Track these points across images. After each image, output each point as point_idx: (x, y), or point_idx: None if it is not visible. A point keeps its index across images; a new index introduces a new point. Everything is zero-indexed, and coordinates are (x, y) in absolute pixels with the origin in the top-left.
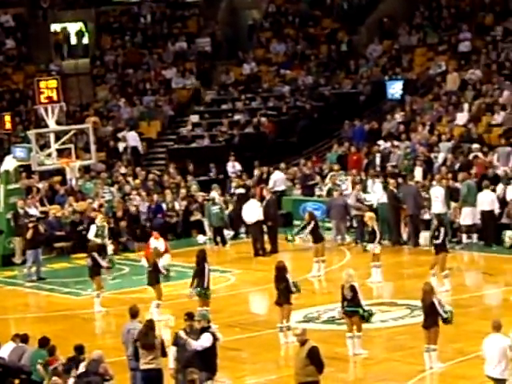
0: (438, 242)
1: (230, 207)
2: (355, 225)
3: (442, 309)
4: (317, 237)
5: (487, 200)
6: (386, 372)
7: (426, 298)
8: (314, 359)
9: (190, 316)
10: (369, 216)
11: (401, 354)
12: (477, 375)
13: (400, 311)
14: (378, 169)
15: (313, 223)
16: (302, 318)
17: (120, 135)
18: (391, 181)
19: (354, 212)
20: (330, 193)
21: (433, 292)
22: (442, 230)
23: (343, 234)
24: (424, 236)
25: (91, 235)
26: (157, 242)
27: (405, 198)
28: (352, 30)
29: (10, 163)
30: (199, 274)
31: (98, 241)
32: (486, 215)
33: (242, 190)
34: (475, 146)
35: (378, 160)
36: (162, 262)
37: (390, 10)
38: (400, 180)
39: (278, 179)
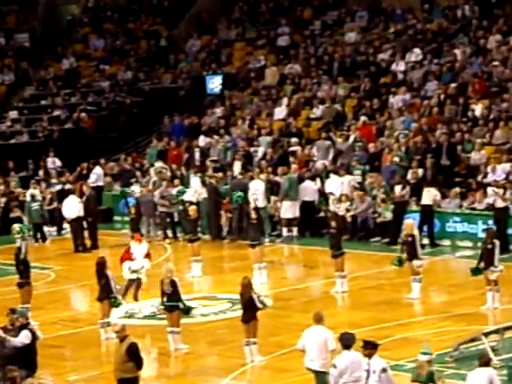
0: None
1: (54, 204)
2: (158, 221)
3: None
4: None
5: (309, 191)
6: (207, 366)
7: (244, 292)
8: (133, 355)
9: (12, 311)
10: (191, 209)
11: (222, 348)
12: (297, 368)
13: (221, 305)
14: (198, 163)
15: None
16: (123, 314)
17: None
18: (214, 175)
19: (161, 208)
20: (155, 185)
21: (251, 286)
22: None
23: (153, 229)
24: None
25: None
26: (138, 246)
27: (234, 191)
28: (171, 24)
29: None
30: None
31: None
32: (307, 206)
33: (61, 186)
34: (294, 139)
35: (197, 155)
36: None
37: (208, 4)
38: (221, 174)
39: (98, 175)
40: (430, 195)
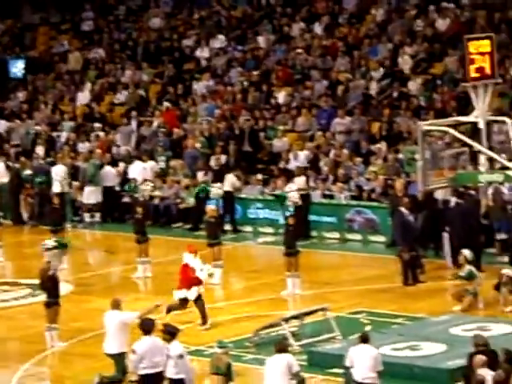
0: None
1: None
2: None
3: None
4: None
5: (109, 177)
6: (7, 352)
7: (44, 276)
8: None
9: None
10: None
11: (22, 334)
12: (98, 353)
13: (22, 291)
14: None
15: None
16: None
17: None
18: (20, 159)
19: None
20: None
21: (50, 269)
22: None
23: None
24: None
25: None
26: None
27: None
28: None
29: None
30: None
31: None
32: (108, 192)
33: None
34: (97, 124)
35: None
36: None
37: None
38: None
39: None
40: (230, 181)
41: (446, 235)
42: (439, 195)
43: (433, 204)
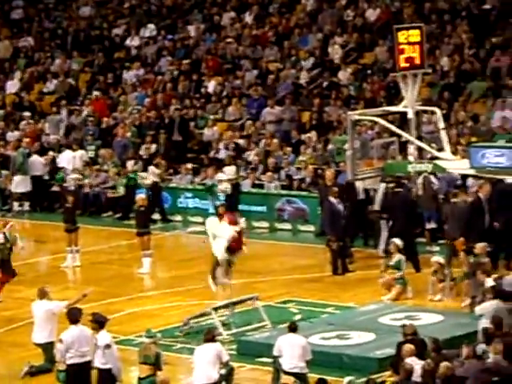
0: None
1: None
2: None
3: None
4: None
5: (37, 166)
6: None
7: None
8: None
9: None
10: None
11: None
12: (27, 342)
13: None
14: None
15: None
16: None
17: None
18: None
19: None
20: None
21: None
22: None
23: None
24: None
25: None
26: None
27: None
28: None
29: None
30: None
31: None
32: (37, 181)
33: None
34: (26, 113)
35: None
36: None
37: None
38: None
39: None
40: (151, 171)
41: (383, 224)
42: (363, 185)
43: (352, 193)
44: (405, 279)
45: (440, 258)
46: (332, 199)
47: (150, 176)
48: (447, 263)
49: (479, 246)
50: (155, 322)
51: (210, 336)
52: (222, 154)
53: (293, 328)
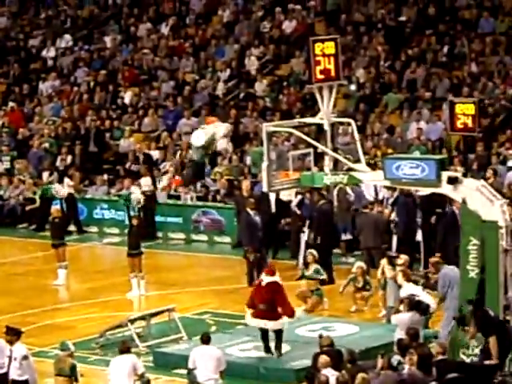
0: None
1: None
2: None
3: None
4: None
5: None
6: None
7: None
8: None
9: None
10: None
11: None
12: None
13: None
14: None
15: None
16: None
17: None
18: None
19: None
20: None
21: None
22: None
23: None
24: None
25: None
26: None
27: None
28: None
29: None
30: None
31: None
32: None
33: None
34: None
35: None
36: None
37: None
38: None
39: None
40: (69, 183)
41: (303, 235)
42: (275, 197)
43: (267, 205)
44: (321, 290)
45: (362, 264)
46: (249, 211)
47: (65, 187)
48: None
49: (403, 258)
50: (71, 333)
51: (125, 348)
52: (137, 165)
53: (205, 339)
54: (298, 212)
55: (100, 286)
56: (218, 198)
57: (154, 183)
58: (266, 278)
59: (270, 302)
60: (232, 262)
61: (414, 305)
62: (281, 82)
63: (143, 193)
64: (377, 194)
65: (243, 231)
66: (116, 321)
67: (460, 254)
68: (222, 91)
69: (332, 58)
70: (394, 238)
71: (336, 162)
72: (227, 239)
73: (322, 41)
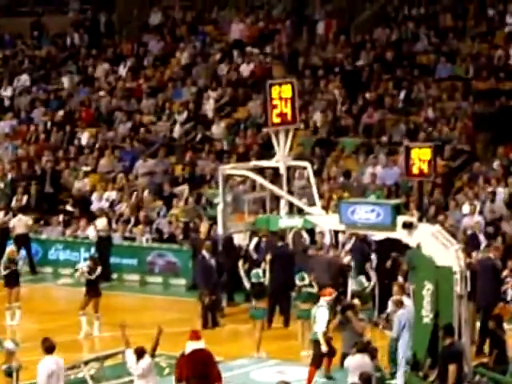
0: None
1: None
2: None
3: None
4: None
5: None
6: None
7: None
8: None
9: None
10: None
11: None
12: None
13: None
14: None
15: None
16: None
17: None
18: None
19: None
20: None
21: None
22: None
23: None
24: None
25: None
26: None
27: None
28: None
29: None
30: None
31: None
32: None
33: None
34: None
35: None
36: None
37: None
38: None
39: None
40: (22, 223)
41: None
42: (237, 240)
43: (230, 248)
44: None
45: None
46: (205, 253)
47: (20, 227)
48: None
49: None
50: (23, 374)
51: None
52: (95, 206)
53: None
54: (255, 256)
55: (53, 326)
56: (176, 239)
57: (109, 224)
58: (190, 344)
59: (204, 376)
60: (186, 304)
61: (362, 348)
62: (238, 125)
63: (98, 233)
64: (332, 237)
65: (198, 274)
66: (69, 362)
67: (414, 299)
68: (179, 133)
69: (289, 102)
70: (350, 282)
71: (291, 205)
72: (182, 281)
73: (279, 84)
